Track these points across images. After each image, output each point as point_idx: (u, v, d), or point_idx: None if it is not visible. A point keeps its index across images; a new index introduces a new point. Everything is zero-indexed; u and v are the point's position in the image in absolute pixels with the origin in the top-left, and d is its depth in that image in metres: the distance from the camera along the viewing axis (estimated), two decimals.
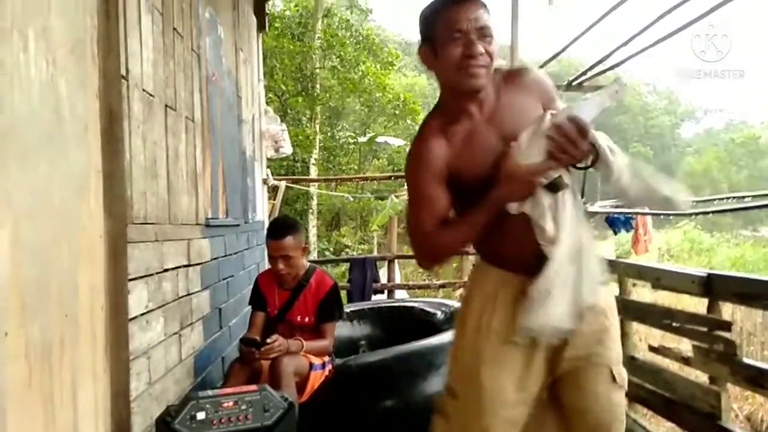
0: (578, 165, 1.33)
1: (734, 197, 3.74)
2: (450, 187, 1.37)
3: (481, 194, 1.32)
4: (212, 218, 2.74)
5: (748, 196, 3.45)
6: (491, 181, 1.32)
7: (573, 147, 1.24)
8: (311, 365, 2.50)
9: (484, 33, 1.29)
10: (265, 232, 2.72)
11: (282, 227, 2.59)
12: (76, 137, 1.41)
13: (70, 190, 1.39)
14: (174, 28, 2.24)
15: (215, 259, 2.81)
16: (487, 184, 1.32)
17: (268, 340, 2.33)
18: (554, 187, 1.30)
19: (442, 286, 6.29)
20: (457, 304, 3.78)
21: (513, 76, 1.41)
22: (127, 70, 1.72)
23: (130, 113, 1.73)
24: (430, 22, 1.35)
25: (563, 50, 4.97)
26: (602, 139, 1.32)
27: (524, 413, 1.41)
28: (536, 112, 1.34)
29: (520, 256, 1.35)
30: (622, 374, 1.45)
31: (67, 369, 1.35)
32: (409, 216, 1.50)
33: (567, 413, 1.46)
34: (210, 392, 1.72)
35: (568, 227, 1.31)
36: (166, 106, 2.11)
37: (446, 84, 1.39)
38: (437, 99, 1.47)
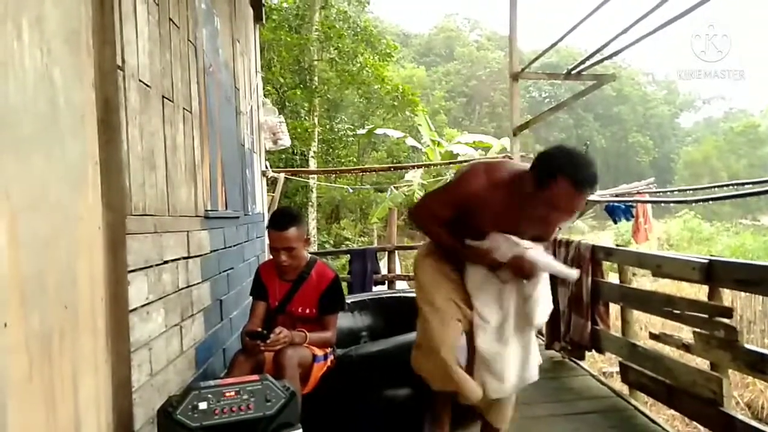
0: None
1: (733, 185, 3.72)
2: (459, 212, 1.99)
3: (466, 232, 2.04)
4: (211, 210, 2.73)
5: (747, 184, 3.44)
6: (476, 234, 2.02)
7: (519, 271, 1.98)
8: (314, 356, 2.50)
9: (573, 213, 1.88)
10: (267, 223, 2.71)
11: (284, 218, 2.55)
12: (72, 128, 1.40)
13: (68, 181, 1.39)
14: (170, 19, 2.23)
15: (215, 251, 2.80)
16: (474, 233, 2.02)
17: (274, 333, 2.33)
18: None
19: None
20: None
21: None
22: (123, 61, 1.70)
23: (127, 104, 1.72)
24: (564, 182, 1.73)
25: (560, 39, 4.94)
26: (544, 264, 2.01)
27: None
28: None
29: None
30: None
31: (67, 360, 1.34)
32: (432, 192, 2.24)
33: None
34: (212, 382, 1.71)
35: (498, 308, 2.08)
36: (163, 96, 2.10)
37: (535, 201, 1.81)
38: (530, 177, 1.85)
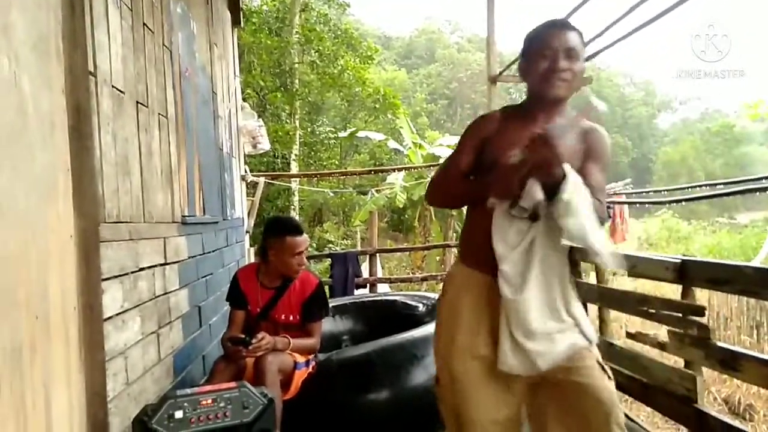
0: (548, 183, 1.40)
1: (707, 185, 3.79)
2: (476, 161, 1.60)
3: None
4: (189, 216, 2.71)
5: (720, 184, 3.51)
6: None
7: (543, 151, 1.34)
8: (295, 363, 2.49)
9: (570, 54, 1.49)
10: (256, 232, 2.74)
11: (297, 224, 2.69)
12: (41, 135, 1.38)
13: (37, 189, 1.37)
14: (144, 24, 2.21)
15: (193, 257, 2.78)
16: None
17: (255, 338, 2.32)
18: (522, 210, 1.42)
19: (425, 279, 6.30)
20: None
21: (587, 128, 1.59)
22: (95, 66, 1.69)
23: (99, 110, 1.70)
24: (528, 40, 1.59)
25: None
26: (574, 176, 1.41)
27: (508, 402, 1.56)
28: (575, 155, 1.49)
29: (486, 256, 1.53)
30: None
31: (39, 372, 1.32)
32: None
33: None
34: (188, 390, 1.70)
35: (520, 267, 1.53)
36: (138, 102, 2.08)
37: (531, 91, 1.59)
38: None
